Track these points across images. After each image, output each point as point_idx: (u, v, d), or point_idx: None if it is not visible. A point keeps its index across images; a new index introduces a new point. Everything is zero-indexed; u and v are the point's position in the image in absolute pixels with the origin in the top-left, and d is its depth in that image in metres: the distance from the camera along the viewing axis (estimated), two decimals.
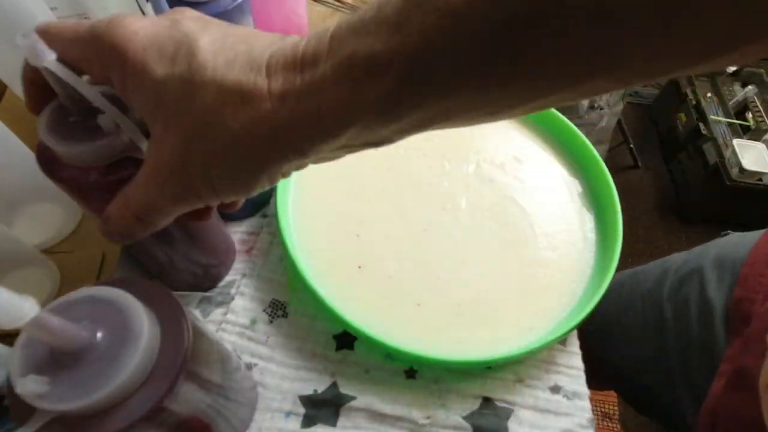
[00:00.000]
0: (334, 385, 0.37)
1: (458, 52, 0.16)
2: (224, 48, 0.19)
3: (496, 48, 0.15)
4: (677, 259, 0.53)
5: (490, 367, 0.38)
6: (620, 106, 1.35)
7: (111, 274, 0.43)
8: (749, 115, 1.42)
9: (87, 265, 0.44)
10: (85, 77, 0.21)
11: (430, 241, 0.42)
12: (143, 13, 0.49)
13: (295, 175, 0.45)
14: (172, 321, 0.23)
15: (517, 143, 0.50)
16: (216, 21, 0.20)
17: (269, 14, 0.46)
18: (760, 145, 1.38)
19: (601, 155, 0.47)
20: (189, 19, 0.20)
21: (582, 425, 0.37)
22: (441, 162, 0.47)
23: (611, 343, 0.57)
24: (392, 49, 0.16)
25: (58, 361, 0.20)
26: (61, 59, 0.20)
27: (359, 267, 0.40)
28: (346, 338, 0.39)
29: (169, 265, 0.36)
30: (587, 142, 0.48)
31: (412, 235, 0.43)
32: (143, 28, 0.19)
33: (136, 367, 0.20)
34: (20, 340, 0.21)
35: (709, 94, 1.51)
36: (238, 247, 0.42)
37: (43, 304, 0.19)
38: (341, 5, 0.64)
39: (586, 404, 0.38)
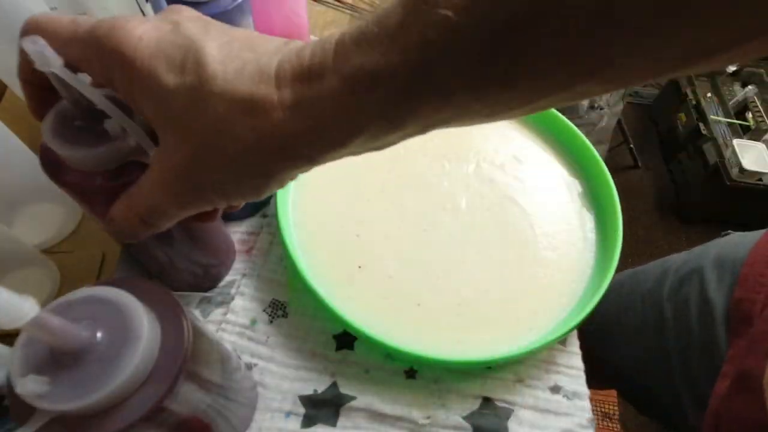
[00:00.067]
0: (334, 385, 0.37)
1: (460, 59, 0.16)
2: (231, 56, 0.19)
3: (496, 50, 0.15)
4: (677, 259, 0.53)
5: (490, 367, 0.38)
6: (620, 106, 1.35)
7: (111, 274, 0.43)
8: (749, 115, 1.42)
9: (87, 265, 0.44)
10: (85, 76, 0.21)
11: (430, 241, 0.42)
12: (143, 13, 0.49)
13: None
14: (172, 321, 0.23)
15: (517, 143, 0.50)
16: (214, 22, 0.20)
17: (269, 14, 0.46)
18: (760, 145, 1.37)
19: (601, 155, 0.47)
20: (189, 20, 0.20)
21: (582, 425, 0.37)
22: (441, 162, 0.47)
23: (611, 343, 0.57)
24: (396, 63, 0.16)
25: (58, 361, 0.20)
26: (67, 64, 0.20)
27: (359, 267, 0.40)
28: (346, 338, 0.39)
29: (169, 265, 0.36)
30: (587, 142, 0.48)
31: (412, 235, 0.43)
32: (146, 33, 0.19)
33: (136, 367, 0.20)
34: (20, 340, 0.21)
35: (709, 94, 1.51)
36: (238, 247, 0.42)
37: (43, 304, 0.19)
38: (341, 5, 0.64)
39: (586, 404, 0.38)
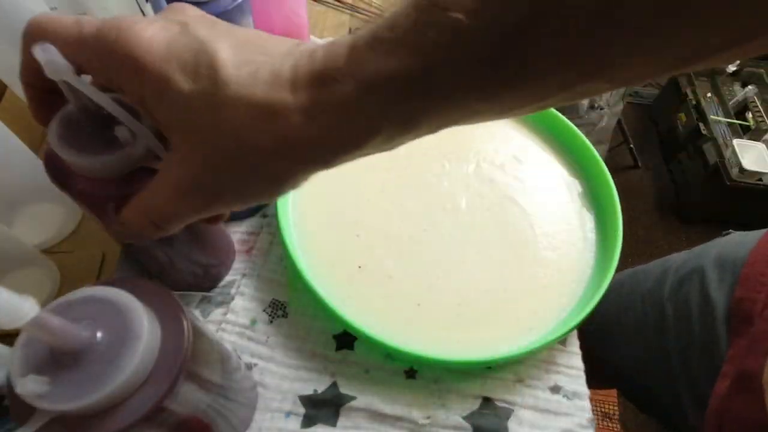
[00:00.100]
0: (334, 385, 0.37)
1: (471, 62, 0.16)
2: (244, 60, 0.19)
3: (505, 52, 0.16)
4: (678, 258, 0.53)
5: (490, 367, 0.38)
6: (620, 106, 1.35)
7: (111, 274, 0.43)
8: (749, 115, 1.42)
9: (87, 265, 0.44)
10: (87, 78, 0.21)
11: (430, 241, 0.42)
12: (143, 12, 0.49)
13: None
14: (172, 321, 0.23)
15: (517, 143, 0.50)
16: (220, 21, 0.20)
17: (269, 14, 0.46)
18: (760, 145, 1.37)
19: (601, 155, 0.47)
20: (196, 21, 0.20)
21: (582, 425, 0.37)
22: (441, 162, 0.47)
23: (611, 343, 0.57)
24: (410, 66, 0.17)
25: (58, 361, 0.20)
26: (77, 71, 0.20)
27: (359, 267, 0.40)
28: (346, 338, 0.39)
29: (169, 265, 0.36)
30: (587, 142, 0.48)
31: (412, 235, 0.43)
32: (156, 35, 0.19)
33: (136, 367, 0.20)
34: (20, 340, 0.21)
35: (709, 94, 1.51)
36: (238, 247, 0.42)
37: (43, 304, 0.19)
38: (341, 5, 0.64)
39: (586, 404, 0.38)
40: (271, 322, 0.39)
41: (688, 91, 1.53)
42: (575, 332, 0.41)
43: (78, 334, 0.20)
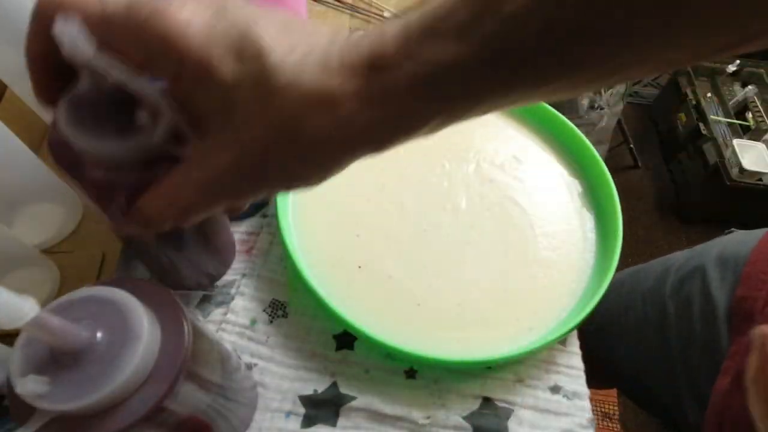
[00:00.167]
0: (334, 385, 0.37)
1: (528, 51, 0.17)
2: (289, 45, 0.18)
3: (561, 40, 0.16)
4: (679, 257, 0.53)
5: (490, 367, 0.38)
6: (620, 106, 1.35)
7: (111, 274, 0.43)
8: (749, 115, 1.42)
9: (87, 265, 0.44)
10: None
11: (430, 241, 0.42)
12: None
13: None
14: (172, 321, 0.23)
15: (517, 143, 0.50)
16: (253, 3, 0.19)
17: None
18: (760, 145, 1.37)
19: (601, 155, 0.47)
20: (226, 1, 0.19)
21: (582, 425, 0.37)
22: (441, 162, 0.47)
23: (611, 342, 0.57)
24: (467, 55, 0.17)
25: (58, 361, 0.20)
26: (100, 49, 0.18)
27: (359, 267, 0.40)
28: (346, 338, 0.39)
29: (170, 266, 0.36)
30: (587, 142, 0.48)
31: (412, 235, 0.43)
32: (193, 18, 0.18)
33: (136, 367, 0.20)
34: (20, 340, 0.21)
35: (709, 94, 1.50)
36: (238, 247, 0.42)
37: (43, 304, 0.19)
38: (341, 5, 0.64)
39: (586, 404, 0.38)
40: (271, 322, 0.39)
41: (688, 91, 1.53)
42: (575, 332, 0.41)
43: (78, 334, 0.20)
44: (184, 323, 0.23)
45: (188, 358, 0.22)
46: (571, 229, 0.45)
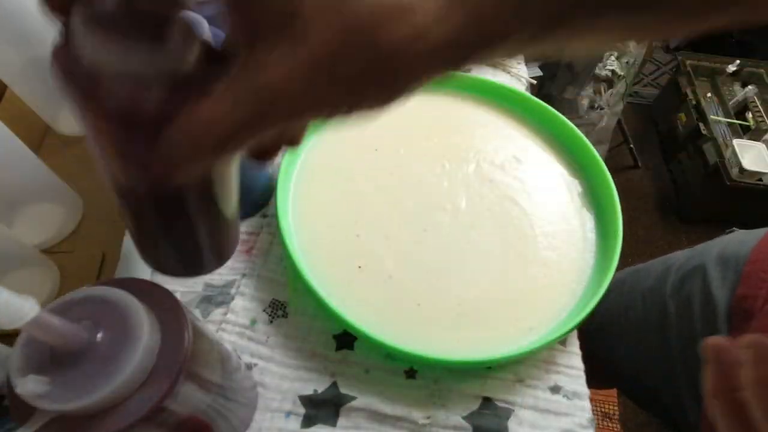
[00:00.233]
0: (334, 385, 0.37)
1: None
2: None
3: None
4: (680, 256, 0.53)
5: (490, 367, 0.38)
6: (620, 106, 1.35)
7: (111, 274, 0.43)
8: (749, 115, 1.42)
9: (87, 265, 0.44)
10: None
11: (430, 241, 0.42)
12: None
13: (295, 175, 0.45)
14: (172, 321, 0.23)
15: (517, 143, 0.50)
16: None
17: None
18: (760, 145, 1.37)
19: (601, 155, 0.47)
20: None
21: (582, 425, 0.37)
22: (441, 162, 0.47)
23: (611, 342, 0.57)
24: None
25: (58, 361, 0.20)
26: None
27: (359, 267, 0.40)
28: (346, 338, 0.39)
29: (160, 236, 0.31)
30: (587, 142, 0.48)
31: (412, 235, 0.43)
32: None
33: (136, 367, 0.20)
34: (20, 340, 0.21)
35: (709, 94, 1.51)
36: (238, 247, 0.42)
37: (43, 304, 0.19)
38: None
39: (586, 404, 0.38)
40: (271, 322, 0.39)
41: (688, 91, 1.53)
42: (575, 332, 0.41)
43: (78, 334, 0.20)
44: (184, 323, 0.23)
45: (188, 358, 0.22)
46: (571, 229, 0.45)
